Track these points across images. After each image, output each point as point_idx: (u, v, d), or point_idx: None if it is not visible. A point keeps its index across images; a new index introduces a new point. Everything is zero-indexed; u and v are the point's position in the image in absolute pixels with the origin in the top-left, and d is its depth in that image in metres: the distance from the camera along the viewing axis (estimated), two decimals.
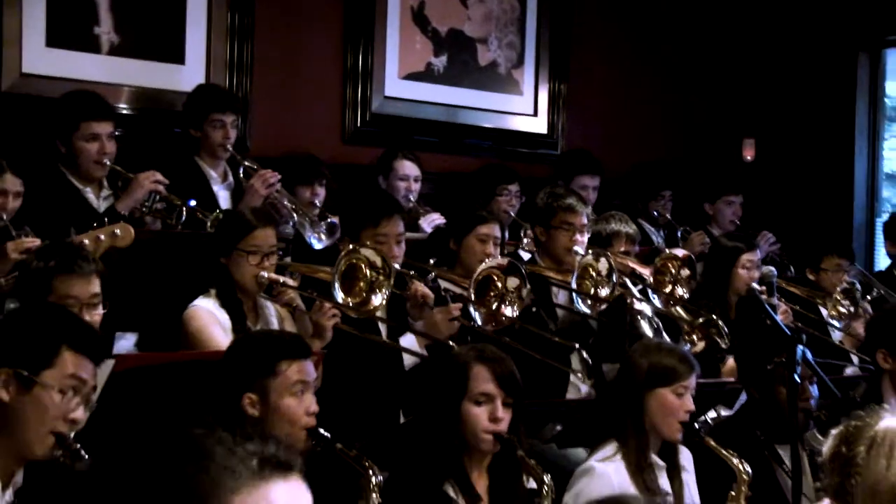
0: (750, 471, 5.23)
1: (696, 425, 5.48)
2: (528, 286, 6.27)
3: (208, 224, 6.83)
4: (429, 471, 4.71)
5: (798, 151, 10.68)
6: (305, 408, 4.51)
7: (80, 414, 3.87)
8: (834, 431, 3.39)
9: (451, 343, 5.91)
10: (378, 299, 5.86)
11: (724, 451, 5.28)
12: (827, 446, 3.38)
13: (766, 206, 10.06)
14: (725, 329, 6.98)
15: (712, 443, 5.33)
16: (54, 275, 5.03)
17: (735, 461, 5.25)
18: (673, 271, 7.05)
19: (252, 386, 4.47)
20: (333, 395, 5.44)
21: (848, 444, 3.25)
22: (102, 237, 5.67)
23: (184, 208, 6.85)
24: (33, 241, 5.83)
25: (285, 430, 4.40)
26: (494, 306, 6.20)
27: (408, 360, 6.11)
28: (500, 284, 6.20)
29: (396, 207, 6.72)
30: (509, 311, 6.21)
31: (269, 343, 4.77)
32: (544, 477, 4.75)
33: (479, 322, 6.19)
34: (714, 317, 6.98)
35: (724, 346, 6.94)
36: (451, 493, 4.69)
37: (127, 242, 5.73)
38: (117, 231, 5.74)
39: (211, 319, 5.74)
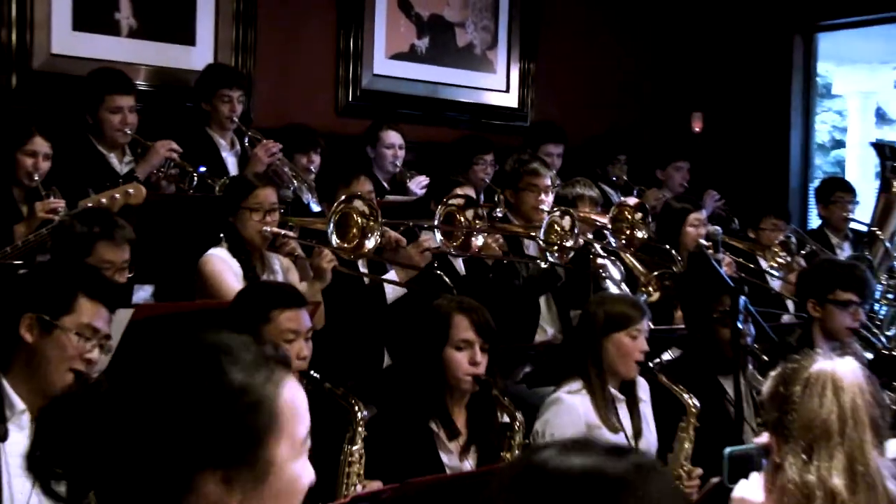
0: (698, 404, 5.27)
1: (651, 364, 5.51)
2: (483, 211, 6.31)
3: (217, 188, 6.83)
4: (415, 409, 4.74)
5: (741, 124, 10.70)
6: (296, 352, 4.50)
7: (96, 355, 3.90)
8: (772, 373, 3.41)
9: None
10: (371, 242, 5.87)
11: (675, 388, 5.32)
12: (766, 386, 3.39)
13: (713, 172, 10.07)
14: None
15: (664, 380, 5.37)
16: (97, 240, 5.06)
17: (685, 396, 5.29)
18: (629, 217, 7.04)
19: (251, 331, 4.47)
20: (326, 334, 5.48)
21: (785, 384, 3.26)
22: (117, 196, 5.70)
23: (195, 174, 6.86)
24: (59, 202, 5.85)
25: None
26: (461, 240, 6.24)
27: (390, 294, 6.16)
28: (461, 218, 6.24)
29: (362, 170, 6.84)
30: (478, 242, 6.30)
31: (264, 293, 4.82)
32: (516, 413, 4.80)
33: (453, 255, 6.26)
34: (669, 270, 7.00)
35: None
36: (434, 427, 4.73)
37: (139, 200, 5.76)
38: (130, 190, 5.77)
39: (223, 266, 5.82)
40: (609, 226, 7.02)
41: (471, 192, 6.84)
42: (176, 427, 2.07)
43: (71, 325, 3.83)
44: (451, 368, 4.72)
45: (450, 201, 6.28)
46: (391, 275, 6.18)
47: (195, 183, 6.89)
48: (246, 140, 7.46)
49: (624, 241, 7.01)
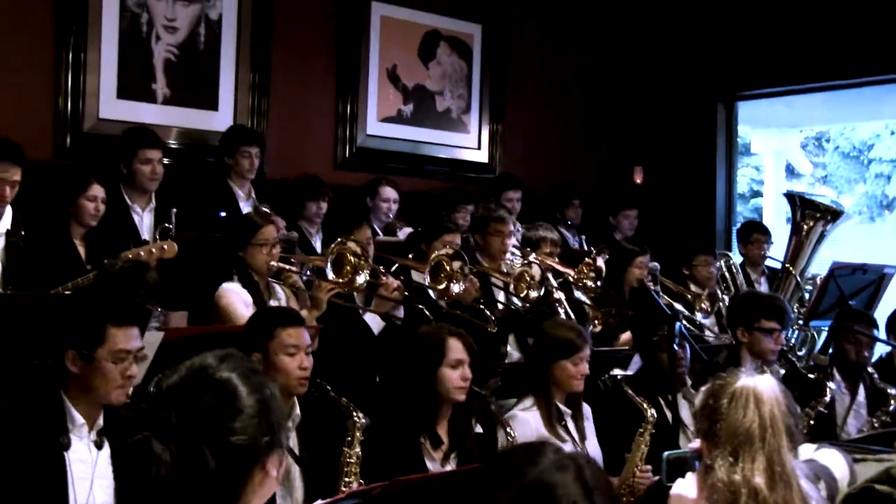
0: (655, 413, 5.29)
1: (619, 377, 5.55)
2: (469, 265, 6.31)
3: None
4: (409, 421, 4.74)
5: (674, 176, 10.76)
6: (297, 364, 4.52)
7: (135, 370, 3.92)
8: (703, 388, 3.42)
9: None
10: (361, 278, 5.89)
11: (637, 398, 5.37)
12: (698, 399, 3.41)
13: (651, 217, 10.10)
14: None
15: (629, 391, 5.40)
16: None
17: (645, 406, 5.33)
18: (586, 272, 7.08)
19: (259, 348, 4.50)
20: (324, 359, 5.48)
21: (714, 397, 3.28)
22: (154, 251, 5.70)
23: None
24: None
25: (281, 381, 4.39)
26: (444, 285, 6.22)
27: (375, 327, 6.17)
28: (448, 267, 6.23)
29: (363, 218, 6.87)
30: (456, 288, 6.23)
31: (268, 315, 4.87)
32: (508, 427, 4.98)
33: (434, 297, 6.24)
34: (612, 310, 7.05)
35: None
36: (421, 438, 4.74)
37: (171, 256, 5.76)
38: (165, 247, 5.77)
39: (236, 297, 5.81)
40: (573, 276, 7.07)
41: (458, 239, 6.88)
42: None
43: (106, 354, 3.83)
44: (444, 384, 4.76)
45: (441, 251, 6.28)
46: (371, 316, 6.21)
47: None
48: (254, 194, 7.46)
49: (582, 287, 7.04)
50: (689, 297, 8.10)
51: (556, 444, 2.32)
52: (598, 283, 7.04)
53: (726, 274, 8.95)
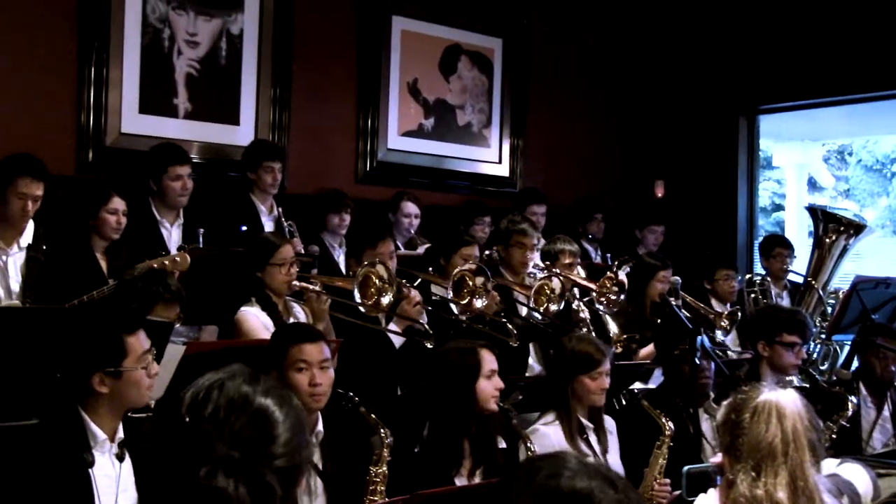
0: (673, 426, 5.27)
1: (637, 391, 5.53)
2: (492, 282, 6.31)
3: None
4: (451, 435, 4.74)
5: (696, 190, 10.77)
6: (308, 380, 4.50)
7: (155, 367, 3.99)
8: (725, 402, 3.41)
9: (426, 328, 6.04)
10: (385, 300, 5.89)
11: (654, 412, 5.35)
12: (720, 414, 3.40)
13: (673, 231, 10.07)
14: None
15: (646, 404, 5.39)
16: (157, 300, 5.09)
17: (662, 419, 5.31)
18: (608, 286, 7.05)
19: (275, 365, 4.51)
20: (348, 374, 5.49)
21: (736, 411, 3.27)
22: (166, 262, 5.74)
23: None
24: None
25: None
26: (467, 300, 6.22)
27: (397, 342, 6.15)
28: (471, 283, 6.23)
29: (387, 232, 6.81)
30: (479, 303, 6.24)
31: (283, 332, 4.88)
32: (528, 441, 4.94)
33: (458, 312, 6.23)
34: (636, 336, 7.04)
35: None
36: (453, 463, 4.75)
37: (184, 268, 5.78)
38: (177, 259, 5.80)
39: (257, 322, 5.81)
40: (595, 290, 7.06)
41: (476, 252, 6.90)
42: None
43: (132, 364, 3.86)
44: (482, 395, 4.78)
45: (464, 267, 6.29)
46: (392, 326, 6.19)
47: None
48: (280, 209, 7.44)
49: (604, 303, 7.03)
50: (711, 316, 8.06)
51: (577, 455, 2.29)
52: (622, 296, 7.00)
53: (757, 290, 8.90)
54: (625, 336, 6.94)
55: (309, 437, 2.32)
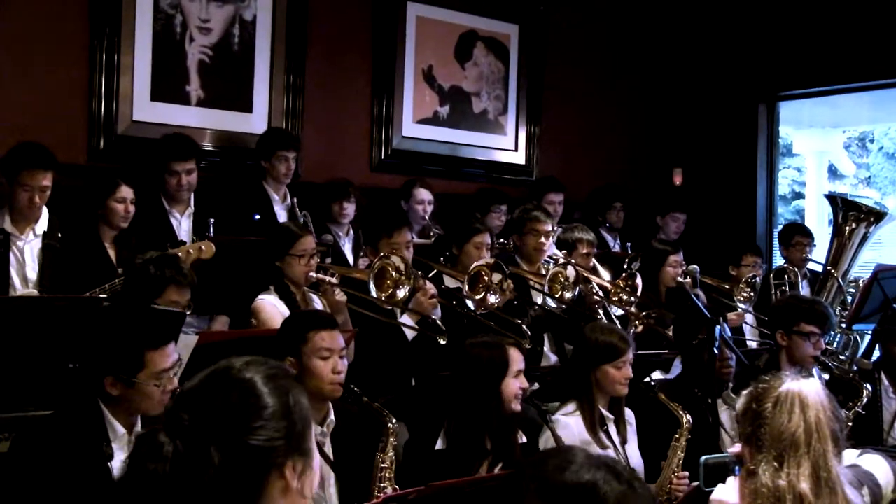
0: (690, 419, 5.25)
1: (653, 383, 5.51)
2: (509, 280, 6.27)
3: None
4: (475, 432, 4.72)
5: (714, 178, 10.72)
6: (332, 367, 4.50)
7: (175, 383, 3.93)
8: (745, 391, 3.38)
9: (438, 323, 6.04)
10: (402, 293, 5.86)
11: (671, 404, 5.32)
12: (740, 403, 3.37)
13: (691, 219, 10.03)
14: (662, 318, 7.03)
15: (663, 397, 5.36)
16: (168, 284, 5.07)
17: (679, 411, 5.28)
18: (622, 286, 7.01)
19: (293, 352, 4.49)
20: (363, 366, 5.48)
21: (758, 401, 3.24)
22: (192, 251, 5.73)
23: None
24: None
25: (315, 385, 4.42)
26: (482, 295, 6.19)
27: (409, 334, 6.10)
28: (487, 278, 6.19)
29: (404, 221, 6.73)
30: (493, 299, 6.19)
31: (302, 318, 4.85)
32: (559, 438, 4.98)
33: (472, 307, 6.20)
34: (651, 311, 6.98)
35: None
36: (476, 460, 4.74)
37: (209, 256, 5.77)
38: (203, 248, 5.79)
39: (274, 311, 5.77)
40: (610, 289, 7.03)
41: (489, 240, 6.85)
42: None
43: (147, 378, 3.84)
44: (507, 393, 4.77)
45: (480, 262, 6.26)
46: (405, 318, 6.14)
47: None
48: (295, 199, 7.44)
49: (618, 302, 6.99)
50: (728, 286, 8.02)
51: (584, 448, 2.31)
52: (634, 298, 6.95)
53: (785, 282, 8.86)
54: (643, 314, 6.88)
55: (311, 429, 2.29)
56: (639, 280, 7.01)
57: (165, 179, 6.80)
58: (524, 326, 6.16)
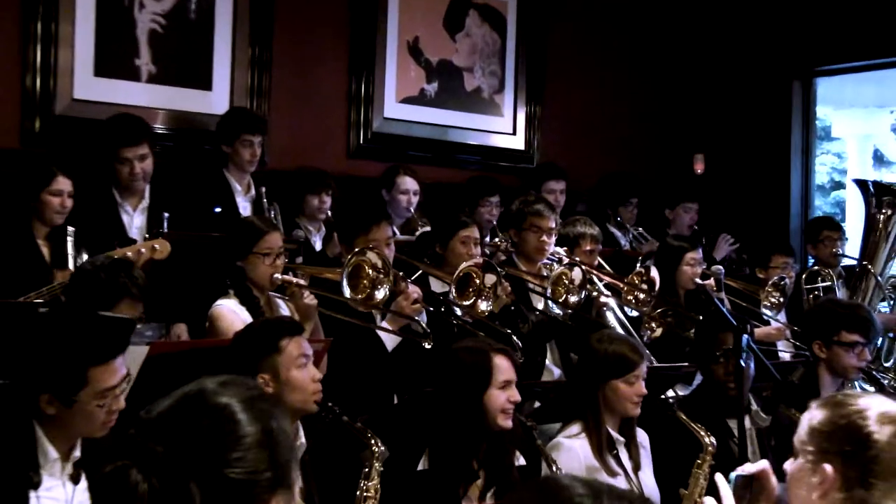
0: (715, 442, 5.23)
1: (671, 400, 5.49)
2: (504, 282, 6.26)
3: None
4: (457, 451, 4.71)
5: (742, 165, 10.72)
6: (311, 376, 4.49)
7: (121, 403, 3.88)
8: (815, 405, 3.33)
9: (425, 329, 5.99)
10: (380, 294, 5.82)
11: (692, 425, 5.29)
12: (815, 416, 3.31)
13: (715, 213, 10.05)
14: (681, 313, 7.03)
15: (683, 416, 5.34)
16: (123, 296, 5.05)
17: (702, 433, 5.26)
18: (637, 283, 7.01)
19: (263, 366, 4.45)
20: (336, 380, 5.46)
21: (845, 416, 3.21)
22: (143, 251, 5.69)
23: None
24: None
25: (298, 398, 4.41)
26: (472, 301, 6.17)
27: (389, 343, 6.08)
28: (478, 281, 6.17)
29: (384, 215, 6.66)
30: (484, 305, 6.17)
31: (270, 327, 4.75)
32: (553, 463, 4.94)
33: (459, 314, 6.19)
34: (671, 306, 6.98)
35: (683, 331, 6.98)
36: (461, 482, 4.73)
37: (164, 256, 5.74)
38: (156, 246, 5.75)
39: (235, 318, 5.68)
40: (622, 288, 7.02)
41: (477, 233, 6.82)
42: None
43: (89, 397, 3.79)
44: (491, 409, 4.74)
45: (469, 263, 6.24)
46: (384, 324, 6.12)
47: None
48: (263, 189, 7.44)
49: (632, 302, 6.98)
50: (751, 291, 8.03)
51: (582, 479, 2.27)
52: (651, 296, 6.95)
53: (820, 290, 8.85)
54: (657, 312, 6.88)
55: (296, 460, 2.29)
56: (655, 273, 7.01)
57: (116, 169, 6.78)
58: (514, 337, 6.06)
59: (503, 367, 4.81)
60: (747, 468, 3.43)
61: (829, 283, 8.81)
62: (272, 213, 7.31)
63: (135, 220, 6.83)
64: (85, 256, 6.04)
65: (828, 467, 3.18)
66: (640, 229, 9.49)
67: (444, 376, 4.89)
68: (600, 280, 7.15)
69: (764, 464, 3.32)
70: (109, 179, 6.82)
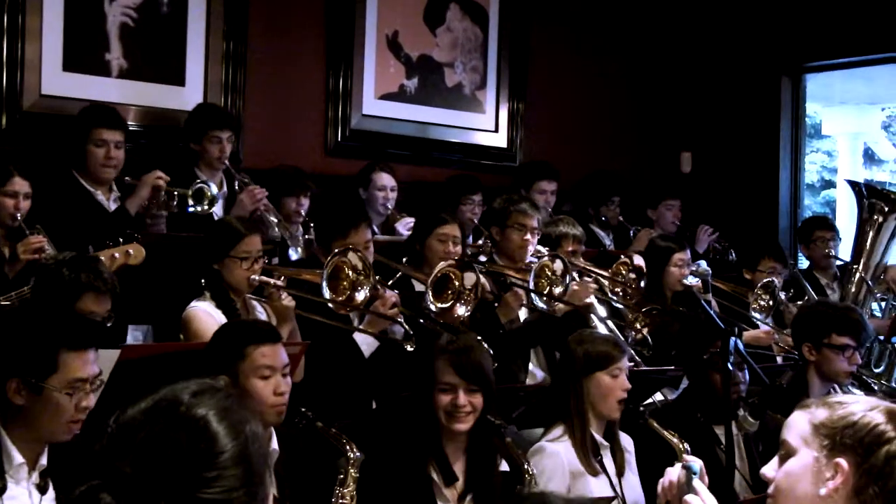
0: (689, 448, 5.22)
1: (641, 408, 5.48)
2: (484, 281, 6.24)
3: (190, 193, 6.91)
4: (410, 453, 4.70)
5: (730, 163, 10.74)
6: (272, 389, 4.42)
7: (92, 401, 3.86)
8: (817, 401, 3.33)
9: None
10: (361, 295, 5.82)
11: (665, 432, 5.30)
12: (814, 415, 3.30)
13: (702, 213, 10.06)
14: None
15: (655, 424, 5.34)
16: (84, 291, 5.02)
17: (675, 440, 5.26)
18: (624, 273, 7.02)
19: (227, 370, 4.37)
20: (311, 386, 5.45)
21: (856, 413, 3.21)
22: (117, 255, 5.66)
23: (188, 194, 6.91)
24: (40, 240, 5.82)
25: (256, 409, 4.34)
26: (450, 304, 6.15)
27: (366, 349, 6.06)
28: (457, 282, 6.16)
29: (362, 217, 6.63)
30: (462, 310, 6.15)
31: (239, 330, 4.72)
32: (525, 463, 4.86)
33: (436, 317, 6.17)
34: (656, 306, 6.99)
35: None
36: (434, 475, 4.70)
37: (139, 261, 5.73)
38: (131, 251, 5.73)
39: (209, 320, 5.65)
40: (608, 278, 7.02)
41: (457, 231, 6.80)
42: None
43: (59, 384, 3.77)
44: (437, 412, 4.71)
45: (447, 263, 6.21)
46: (363, 327, 6.09)
47: (175, 202, 6.95)
48: (235, 183, 7.41)
49: (620, 294, 6.98)
50: (739, 293, 8.04)
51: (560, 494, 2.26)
52: (642, 283, 6.96)
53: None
54: (643, 310, 6.88)
55: (268, 470, 2.26)
56: (639, 260, 7.01)
57: (88, 153, 6.76)
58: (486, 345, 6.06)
59: (443, 368, 4.76)
60: (694, 458, 3.46)
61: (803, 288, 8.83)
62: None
63: (112, 209, 6.82)
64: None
65: (842, 461, 3.18)
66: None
67: (402, 374, 4.90)
68: (588, 276, 7.15)
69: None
70: (76, 173, 6.79)
